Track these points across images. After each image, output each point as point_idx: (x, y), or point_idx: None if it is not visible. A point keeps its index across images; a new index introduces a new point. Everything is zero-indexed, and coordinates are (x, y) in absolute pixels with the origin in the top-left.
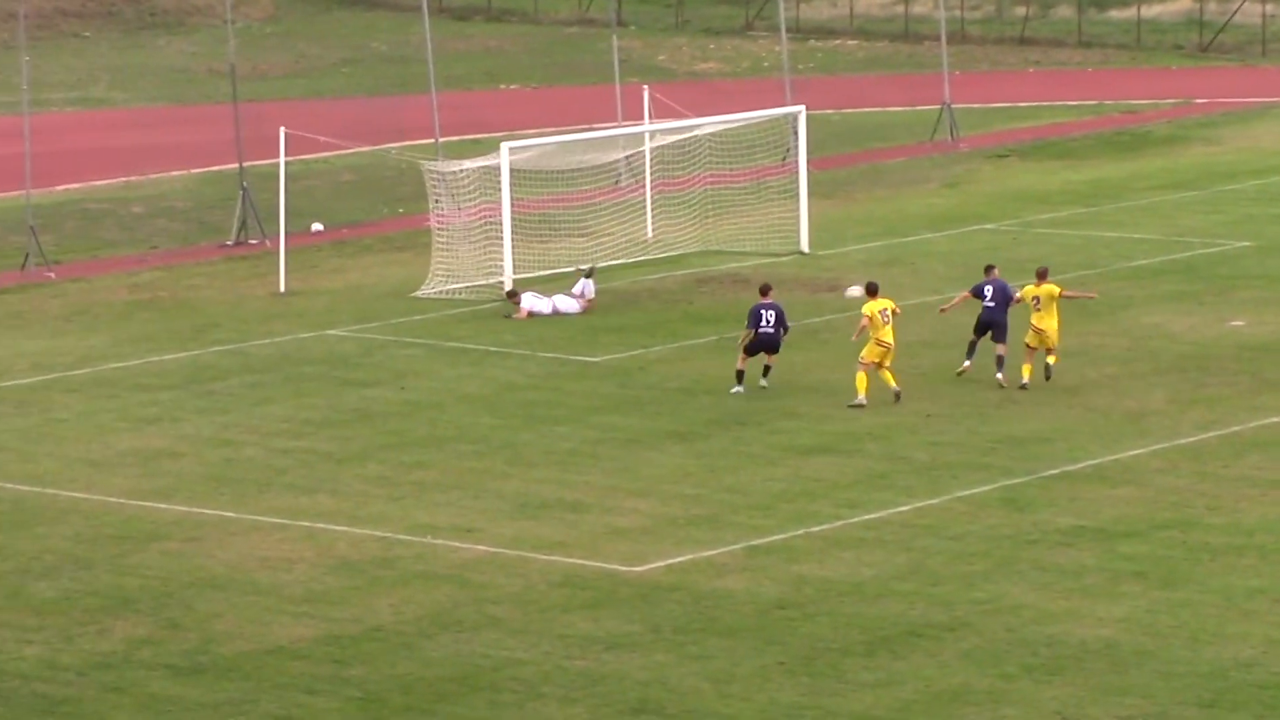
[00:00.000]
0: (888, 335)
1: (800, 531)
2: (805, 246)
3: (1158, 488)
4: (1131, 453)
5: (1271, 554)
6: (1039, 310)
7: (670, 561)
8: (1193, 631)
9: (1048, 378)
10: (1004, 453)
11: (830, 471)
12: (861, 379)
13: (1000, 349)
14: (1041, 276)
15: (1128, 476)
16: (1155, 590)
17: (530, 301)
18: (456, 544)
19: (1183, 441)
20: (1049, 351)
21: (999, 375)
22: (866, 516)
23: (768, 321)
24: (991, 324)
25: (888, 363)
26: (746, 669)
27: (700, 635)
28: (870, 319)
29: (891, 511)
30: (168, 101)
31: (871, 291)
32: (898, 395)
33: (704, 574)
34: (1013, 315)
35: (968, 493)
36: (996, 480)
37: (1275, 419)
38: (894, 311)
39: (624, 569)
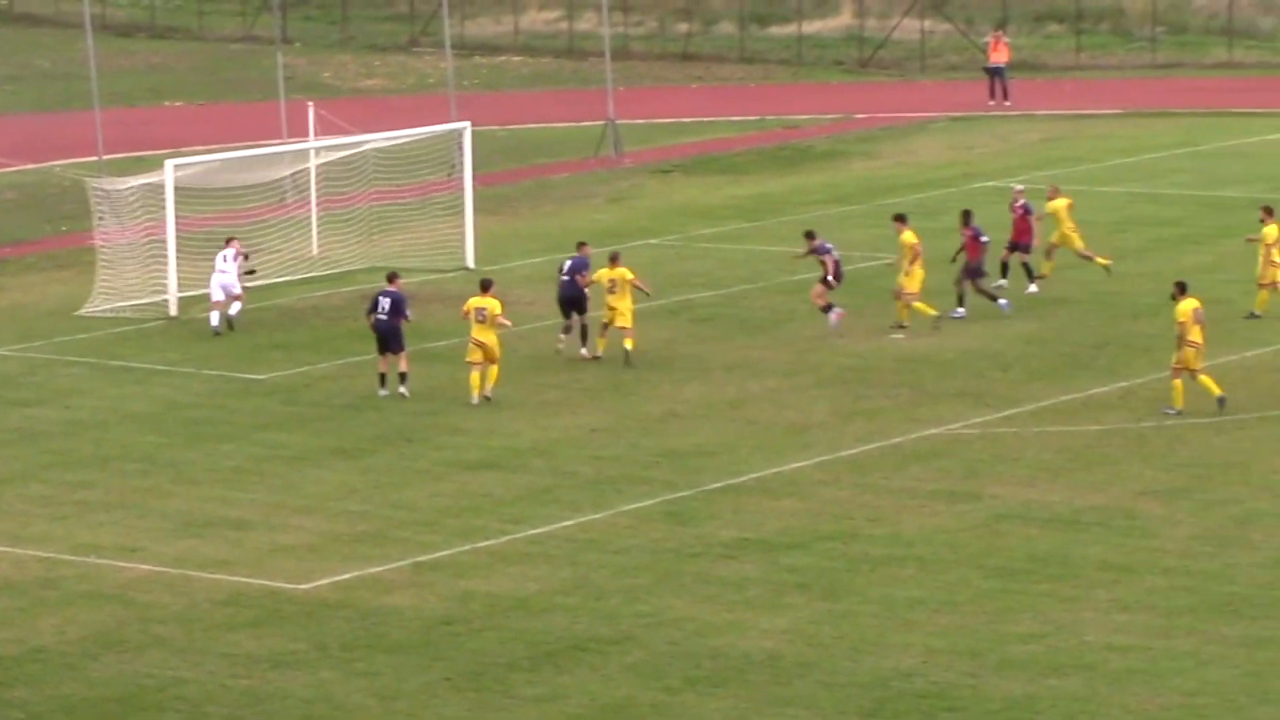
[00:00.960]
0: (481, 334)
1: (466, 547)
2: (471, 262)
3: (820, 499)
4: (794, 465)
5: (931, 565)
6: (613, 293)
7: (336, 579)
8: (854, 642)
9: (626, 362)
10: (667, 466)
11: (496, 487)
12: (475, 378)
13: (582, 320)
14: (614, 260)
15: (790, 489)
16: (818, 601)
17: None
18: (120, 563)
19: (844, 453)
20: (625, 334)
21: (583, 350)
22: (532, 531)
23: (383, 309)
24: (568, 300)
25: (481, 357)
26: (413, 685)
27: (366, 652)
28: (467, 313)
29: (556, 526)
30: None
31: (484, 288)
32: (488, 398)
33: (370, 591)
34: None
35: (631, 507)
36: (660, 494)
37: (935, 430)
38: (493, 314)
39: (289, 587)
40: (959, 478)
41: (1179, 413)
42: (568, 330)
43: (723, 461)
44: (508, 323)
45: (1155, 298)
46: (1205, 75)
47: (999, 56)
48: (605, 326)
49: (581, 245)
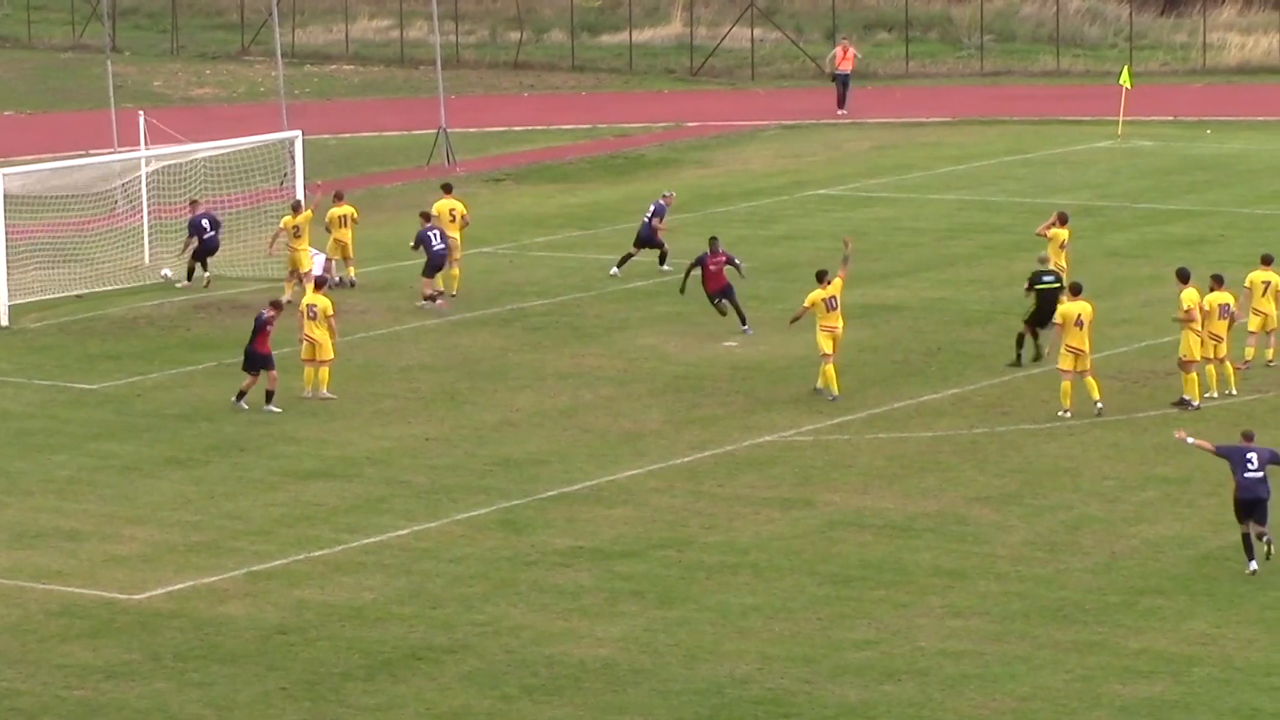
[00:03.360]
0: (312, 331)
1: (301, 556)
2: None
3: (654, 507)
4: (628, 473)
5: (765, 571)
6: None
7: (170, 589)
8: (689, 649)
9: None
10: (501, 475)
11: (330, 496)
12: (308, 374)
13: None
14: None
15: (624, 497)
16: (653, 609)
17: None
18: None
19: (678, 461)
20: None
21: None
22: (366, 540)
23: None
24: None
25: (313, 355)
26: (248, 695)
27: (201, 662)
28: (301, 311)
29: (391, 535)
30: None
31: (318, 285)
32: (328, 397)
33: (205, 600)
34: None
35: (466, 515)
36: (495, 503)
37: (768, 438)
38: (324, 312)
39: (123, 597)
40: (793, 485)
41: (1197, 407)
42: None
43: (557, 470)
44: (333, 325)
45: (987, 305)
46: (1033, 83)
47: (846, 65)
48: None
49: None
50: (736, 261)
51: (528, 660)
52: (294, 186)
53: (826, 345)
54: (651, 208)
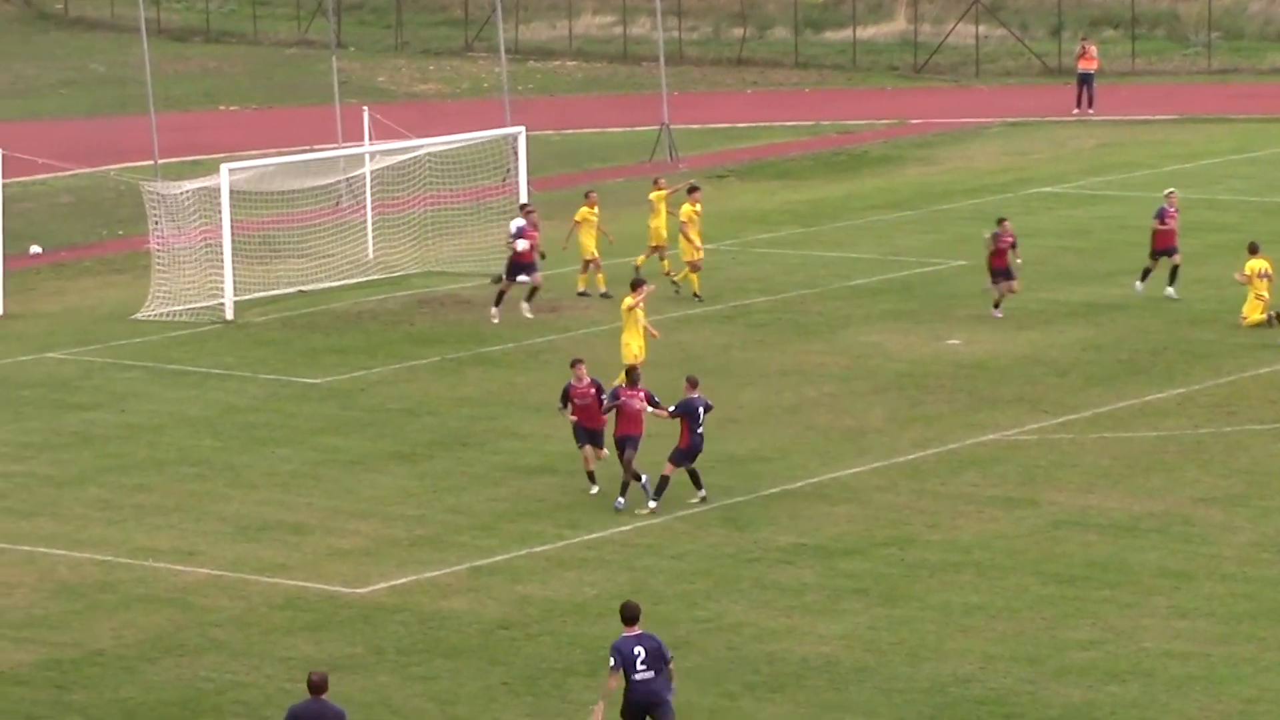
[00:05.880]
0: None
1: (523, 552)
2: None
3: (877, 505)
4: (851, 470)
5: (988, 570)
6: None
7: (393, 583)
8: (912, 648)
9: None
10: (724, 471)
11: (553, 492)
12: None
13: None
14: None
15: (847, 494)
16: (875, 607)
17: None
18: (178, 567)
19: (901, 459)
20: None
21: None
22: (588, 536)
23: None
24: None
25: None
26: (471, 689)
27: (424, 656)
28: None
29: (613, 531)
30: None
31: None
32: None
33: (427, 595)
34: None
35: (688, 512)
36: (717, 499)
37: (991, 436)
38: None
39: (346, 591)
40: (1016, 484)
41: None
42: None
43: (779, 467)
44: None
45: (1213, 304)
46: (1261, 81)
47: (1089, 64)
48: None
49: None
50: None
51: (750, 657)
52: (516, 183)
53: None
54: (513, 228)
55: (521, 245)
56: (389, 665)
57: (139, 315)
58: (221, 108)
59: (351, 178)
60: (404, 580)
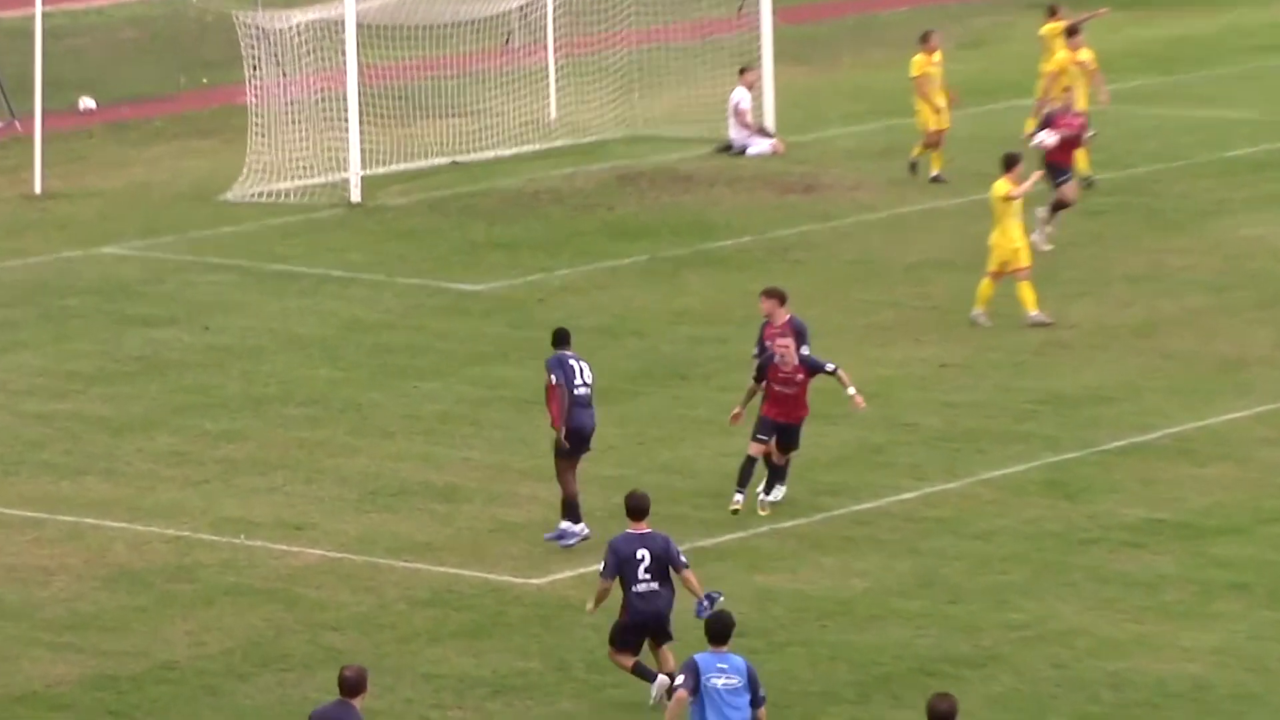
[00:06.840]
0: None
1: (764, 529)
2: (770, 129)
3: (1263, 466)
4: (1226, 417)
5: None
6: None
7: (581, 571)
8: None
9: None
10: (1048, 418)
11: (805, 442)
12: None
13: None
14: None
15: (1222, 450)
16: (1261, 609)
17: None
18: (281, 546)
19: None
20: None
21: None
22: (856, 507)
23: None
24: None
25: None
26: None
27: (625, 674)
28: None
29: (891, 500)
30: None
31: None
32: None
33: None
34: None
35: (997, 473)
36: (1038, 456)
37: None
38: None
39: (518, 581)
40: None
41: None
42: None
43: (1126, 410)
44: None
45: None
46: None
47: None
48: None
49: None
50: None
51: (1084, 679)
52: (758, 15)
53: None
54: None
55: (1050, 140)
56: (576, 686)
57: (229, 195)
58: None
59: (527, 6)
60: (594, 568)
